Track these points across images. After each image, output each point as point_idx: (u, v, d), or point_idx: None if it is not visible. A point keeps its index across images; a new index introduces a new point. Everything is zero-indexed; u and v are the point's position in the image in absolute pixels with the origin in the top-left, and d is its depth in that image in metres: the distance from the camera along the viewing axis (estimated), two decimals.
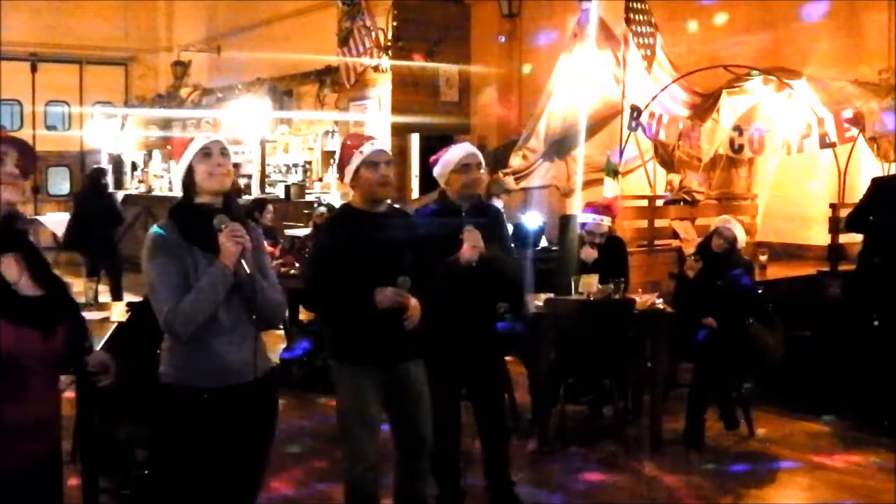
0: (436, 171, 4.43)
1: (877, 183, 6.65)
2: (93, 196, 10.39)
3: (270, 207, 9.10)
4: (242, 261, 2.95)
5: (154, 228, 3.01)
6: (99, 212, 10.09)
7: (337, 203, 11.63)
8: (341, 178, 3.88)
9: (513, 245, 4.81)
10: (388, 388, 3.82)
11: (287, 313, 8.49)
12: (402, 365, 3.84)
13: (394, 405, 3.89)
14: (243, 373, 3.03)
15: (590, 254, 5.94)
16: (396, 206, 4.12)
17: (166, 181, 15.04)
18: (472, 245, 4.11)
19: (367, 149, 3.74)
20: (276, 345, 8.22)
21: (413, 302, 3.68)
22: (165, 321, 2.94)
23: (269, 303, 3.08)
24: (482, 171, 4.40)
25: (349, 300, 3.69)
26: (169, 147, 3.16)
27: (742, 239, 6.10)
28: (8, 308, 2.43)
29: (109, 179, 16.97)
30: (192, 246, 2.96)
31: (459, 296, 4.19)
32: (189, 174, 3.04)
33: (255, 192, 13.59)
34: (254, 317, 3.04)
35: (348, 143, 3.87)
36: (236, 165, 14.96)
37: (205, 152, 3.02)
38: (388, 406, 3.88)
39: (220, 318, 2.97)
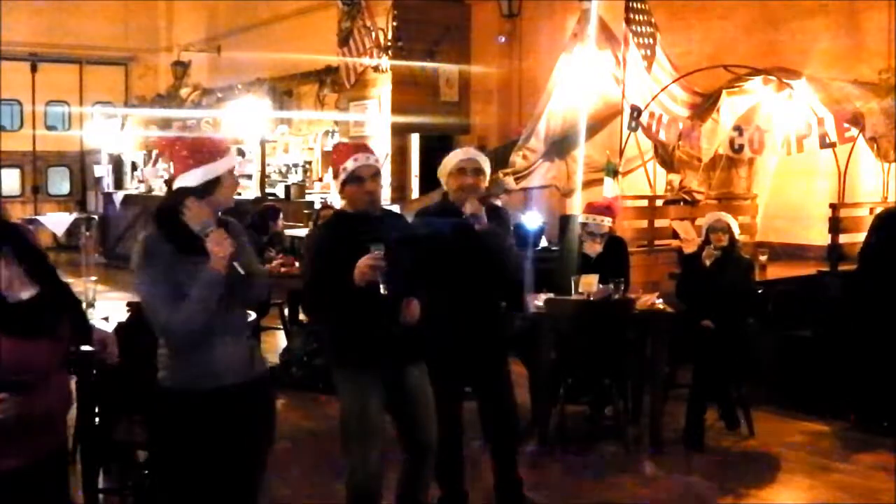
0: (439, 171, 4.42)
1: (878, 217, 6.64)
2: None
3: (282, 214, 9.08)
4: (235, 263, 2.95)
5: (144, 236, 3.01)
6: None
7: (338, 203, 11.64)
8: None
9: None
10: (391, 392, 3.81)
11: (287, 313, 8.50)
12: (403, 368, 3.83)
13: (397, 409, 3.88)
14: (239, 373, 3.07)
15: (593, 247, 5.94)
16: (388, 208, 4.11)
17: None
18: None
19: (349, 165, 3.68)
20: (276, 345, 8.23)
21: (413, 304, 3.69)
22: (162, 331, 2.97)
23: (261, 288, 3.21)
24: (481, 176, 4.27)
25: (346, 303, 3.66)
26: (183, 149, 3.03)
27: (736, 228, 6.08)
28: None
29: (110, 180, 17.07)
30: (182, 252, 2.95)
31: (461, 295, 4.20)
32: (213, 183, 3.00)
33: (255, 193, 13.59)
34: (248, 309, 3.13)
35: (334, 157, 3.81)
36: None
37: (232, 169, 3.10)
38: (392, 410, 3.87)
39: (216, 320, 2.97)
